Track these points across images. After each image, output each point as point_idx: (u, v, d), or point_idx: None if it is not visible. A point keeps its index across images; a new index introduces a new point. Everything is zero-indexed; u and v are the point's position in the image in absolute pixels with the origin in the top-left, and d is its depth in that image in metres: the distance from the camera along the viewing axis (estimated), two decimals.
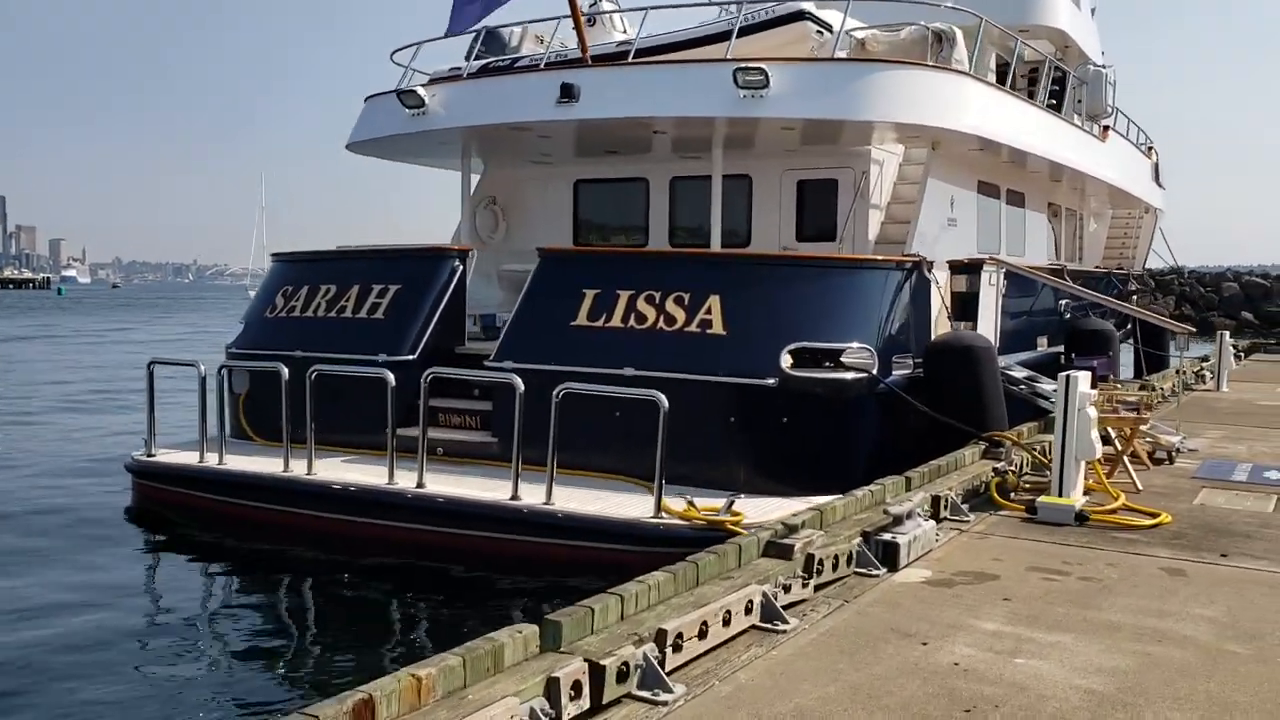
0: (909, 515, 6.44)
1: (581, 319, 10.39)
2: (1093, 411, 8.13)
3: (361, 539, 9.68)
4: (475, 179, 16.33)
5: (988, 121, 13.11)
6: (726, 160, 14.37)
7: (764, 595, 4.98)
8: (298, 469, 10.33)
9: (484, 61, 14.41)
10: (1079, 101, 16.46)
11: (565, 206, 16.08)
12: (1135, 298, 22.89)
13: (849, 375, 9.82)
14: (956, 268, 11.91)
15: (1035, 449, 9.24)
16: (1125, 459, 9.05)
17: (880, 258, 11.05)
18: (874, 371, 9.89)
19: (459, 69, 14.29)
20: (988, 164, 15.15)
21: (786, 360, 9.77)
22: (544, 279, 10.95)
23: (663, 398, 8.60)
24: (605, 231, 15.90)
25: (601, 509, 8.96)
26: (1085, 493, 8.37)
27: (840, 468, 9.84)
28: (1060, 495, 8.00)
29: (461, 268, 11.69)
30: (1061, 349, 15.18)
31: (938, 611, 5.43)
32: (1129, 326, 22.92)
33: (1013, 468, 8.70)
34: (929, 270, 10.80)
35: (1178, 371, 18.91)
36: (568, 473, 9.96)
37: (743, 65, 11.28)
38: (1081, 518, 7.57)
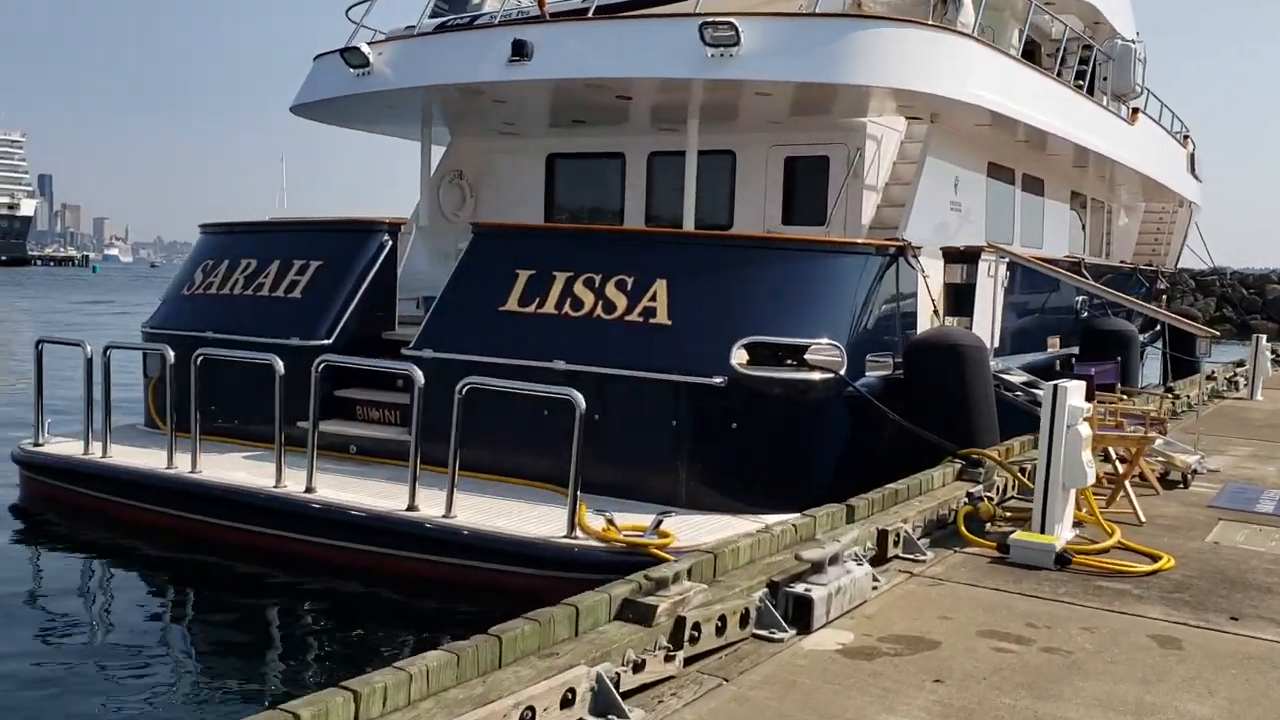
0: (834, 560, 5.12)
1: (512, 303, 9.11)
2: (1085, 429, 6.77)
3: (244, 547, 8.49)
4: (441, 151, 15.12)
5: (996, 92, 11.68)
6: (707, 133, 13.06)
7: (595, 679, 3.69)
8: (184, 465, 9.14)
9: (442, 20, 13.14)
10: (1104, 79, 14.93)
11: (538, 183, 14.81)
12: (1165, 298, 21.31)
13: (812, 375, 8.50)
14: (951, 256, 10.52)
15: (1023, 470, 7.88)
16: (1127, 484, 7.66)
17: (856, 241, 9.68)
18: (842, 372, 8.56)
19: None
20: (1000, 144, 13.71)
21: (739, 356, 8.45)
22: (476, 257, 9.67)
23: (579, 398, 7.32)
24: (579, 213, 14.61)
25: (507, 525, 7.69)
26: (1075, 524, 7.02)
27: (799, 483, 8.55)
28: (1041, 531, 6.65)
29: (391, 244, 10.44)
30: (1076, 350, 13.74)
31: (842, 699, 4.12)
32: (1158, 328, 21.39)
33: (990, 494, 7.34)
34: (914, 257, 9.41)
35: (1208, 377, 17.44)
36: (490, 479, 8.75)
37: (710, 20, 9.94)
38: (1063, 560, 6.21)
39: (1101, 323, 13.32)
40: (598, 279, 8.98)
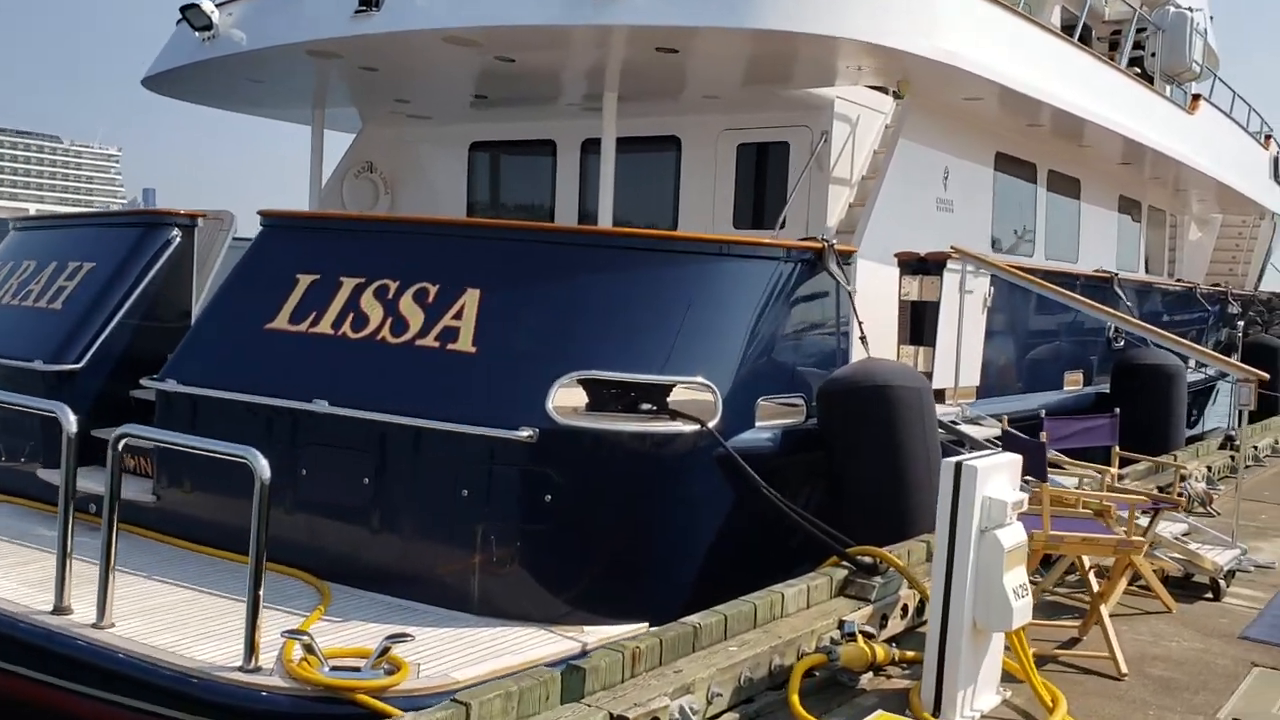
0: None
1: (281, 320, 6.71)
2: (1013, 535, 4.18)
3: None
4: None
5: (997, 59, 9.05)
6: (645, 115, 10.68)
7: None
8: None
9: None
10: (1153, 55, 12.11)
11: (461, 177, 12.52)
12: (1241, 324, 18.15)
13: (666, 428, 5.97)
14: (907, 264, 7.89)
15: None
16: (1105, 613, 4.98)
17: (751, 240, 7.07)
18: (712, 423, 6.01)
19: None
20: (1014, 131, 11.01)
21: (562, 399, 5.97)
22: (257, 257, 7.30)
23: (259, 461, 4.89)
24: (504, 212, 12.26)
25: (169, 643, 5.27)
26: (1005, 681, 4.42)
27: (641, 583, 6.04)
28: (934, 709, 4.08)
29: (183, 241, 8.13)
30: (1108, 388, 10.93)
31: None
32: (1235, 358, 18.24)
33: (870, 626, 4.74)
34: (839, 264, 6.79)
35: None
36: (216, 553, 6.44)
37: None
38: None
39: (1137, 355, 10.52)
40: (393, 287, 6.55)
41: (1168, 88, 14.88)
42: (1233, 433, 11.46)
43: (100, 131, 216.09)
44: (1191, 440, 12.74)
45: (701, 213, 10.84)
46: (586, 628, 5.84)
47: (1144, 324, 7.07)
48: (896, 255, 8.03)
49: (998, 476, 4.20)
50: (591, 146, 11.54)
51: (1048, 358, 10.08)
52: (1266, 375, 6.34)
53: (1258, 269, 19.41)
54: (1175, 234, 17.72)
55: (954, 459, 4.13)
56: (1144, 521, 5.48)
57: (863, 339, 6.88)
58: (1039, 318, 9.93)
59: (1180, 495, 6.03)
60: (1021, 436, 5.05)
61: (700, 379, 6.13)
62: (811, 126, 10.14)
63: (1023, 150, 11.43)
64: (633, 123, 10.96)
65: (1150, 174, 14.40)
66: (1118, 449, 6.02)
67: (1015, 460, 4.34)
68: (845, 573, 5.13)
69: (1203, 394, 16.48)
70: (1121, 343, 11.32)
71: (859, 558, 5.16)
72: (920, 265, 7.81)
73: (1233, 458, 10.83)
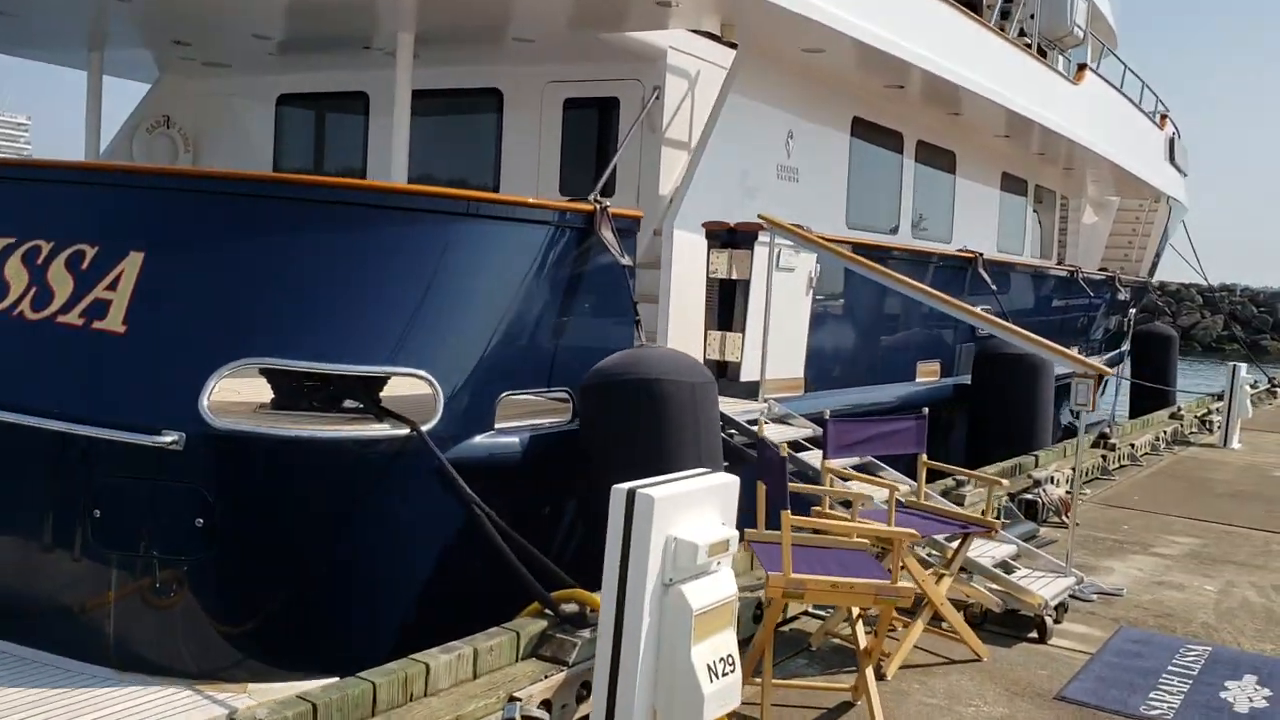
0: None
1: None
2: (706, 590, 3.01)
3: None
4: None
5: (837, 5, 7.90)
6: (466, 64, 9.46)
7: None
8: None
9: None
10: (1031, 17, 11.08)
11: (269, 134, 11.12)
12: (1133, 311, 17.42)
13: (356, 432, 4.73)
14: (715, 236, 6.72)
15: None
16: (870, 678, 3.83)
17: (502, 198, 5.80)
18: (427, 426, 4.78)
19: None
20: (875, 93, 9.92)
21: (234, 395, 4.70)
22: None
23: None
24: (313, 174, 10.88)
25: None
26: None
27: (328, 629, 4.80)
28: None
29: None
30: (970, 380, 9.92)
31: None
32: (1125, 348, 17.49)
33: (551, 700, 3.55)
34: (613, 230, 5.58)
35: (1173, 415, 13.57)
36: None
37: None
38: None
39: (1000, 344, 9.52)
40: (45, 250, 5.21)
41: (1059, 60, 13.96)
42: (1107, 430, 10.55)
43: (8, 99, 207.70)
44: (1070, 436, 11.85)
45: (526, 177, 9.61)
46: (253, 684, 4.60)
47: (965, 306, 6.00)
48: (704, 225, 6.85)
49: (693, 508, 3.03)
50: (412, 100, 10.22)
51: (897, 346, 9.01)
52: (1110, 371, 5.26)
53: (1153, 254, 18.68)
54: (1067, 217, 16.87)
55: (626, 485, 2.95)
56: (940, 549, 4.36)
57: (636, 322, 5.67)
58: (888, 300, 8.84)
59: (996, 515, 4.94)
60: (770, 445, 3.90)
61: (416, 370, 4.89)
62: (643, 80, 8.95)
63: (886, 117, 10.35)
64: (448, 72, 9.70)
65: (1036, 150, 13.45)
66: (924, 458, 4.92)
67: (724, 484, 3.17)
68: (545, 624, 3.93)
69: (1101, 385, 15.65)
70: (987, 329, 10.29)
71: (562, 605, 3.96)
72: (729, 237, 6.65)
73: (1105, 457, 9.90)
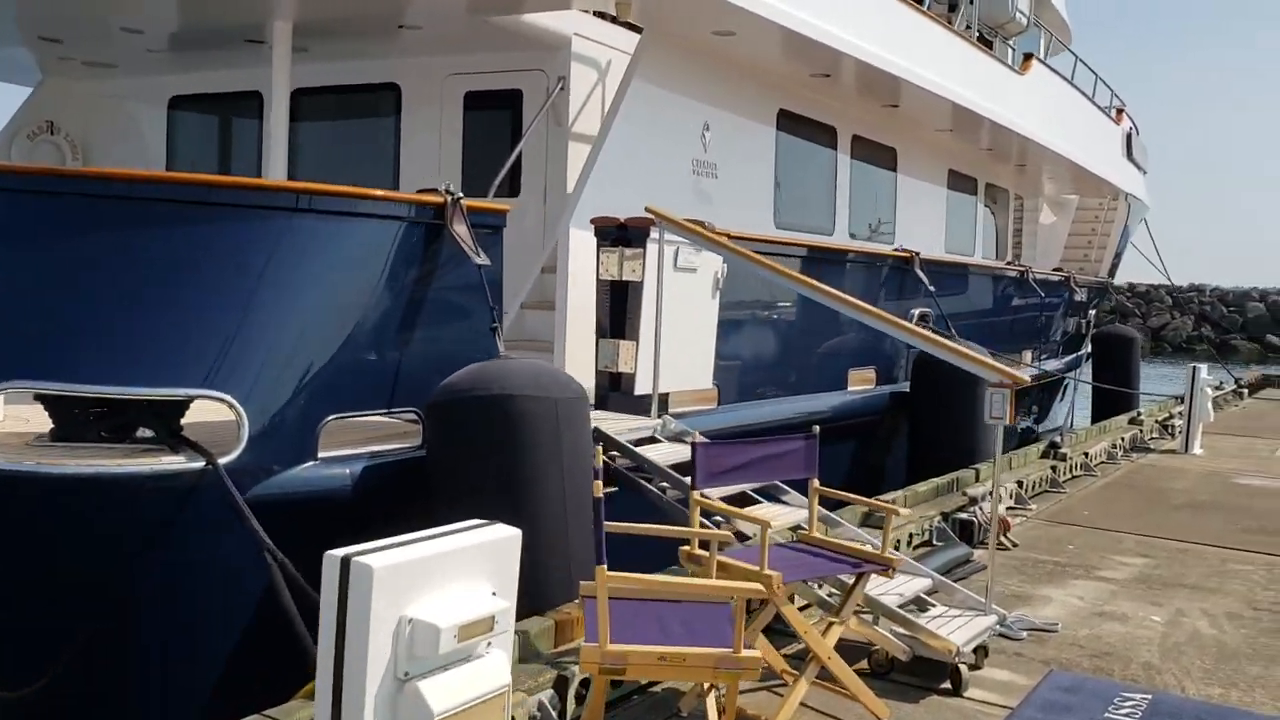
0: None
1: None
2: (456, 685, 2.29)
3: None
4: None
5: None
6: (362, 57, 8.81)
7: None
8: None
9: None
10: (970, 2, 10.46)
11: (161, 139, 10.38)
12: (1093, 313, 16.85)
13: (146, 467, 4.00)
14: (604, 233, 6.03)
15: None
16: None
17: (339, 190, 5.07)
18: (227, 459, 4.06)
19: None
20: (802, 84, 9.28)
21: (3, 420, 3.96)
22: None
23: None
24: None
25: None
26: None
27: (107, 700, 4.06)
28: None
29: None
30: (909, 388, 9.25)
31: None
32: (1085, 351, 16.92)
33: None
34: (467, 225, 4.86)
35: (1132, 420, 12.98)
36: None
37: None
38: None
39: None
40: None
41: (1010, 53, 13.38)
42: (1059, 438, 9.92)
43: None
44: (1025, 443, 11.22)
45: (427, 177, 8.89)
46: None
47: (867, 307, 5.30)
48: (593, 221, 6.16)
49: (444, 576, 2.32)
50: (304, 98, 9.53)
51: (826, 352, 8.33)
52: (1026, 379, 4.59)
53: (1112, 254, 18.12)
54: (1022, 216, 16.29)
55: (340, 551, 2.24)
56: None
57: (494, 329, 4.95)
58: (814, 303, 8.16)
59: (885, 549, 4.22)
60: (598, 474, 3.20)
61: (216, 392, 4.16)
62: (547, 71, 8.29)
63: (817, 110, 9.71)
64: (343, 68, 9.02)
65: (985, 146, 12.85)
66: (816, 483, 4.23)
67: (496, 542, 2.47)
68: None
69: (1048, 390, 15.04)
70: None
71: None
72: (620, 234, 5.95)
73: (1054, 469, 9.26)
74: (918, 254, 9.32)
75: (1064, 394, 16.09)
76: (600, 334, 6.02)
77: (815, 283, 5.38)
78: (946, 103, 10.26)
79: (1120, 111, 16.68)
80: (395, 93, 9.06)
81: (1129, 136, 16.92)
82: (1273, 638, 5.30)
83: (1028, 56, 11.92)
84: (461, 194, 4.90)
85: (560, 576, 4.37)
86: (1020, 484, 8.41)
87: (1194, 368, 11.93)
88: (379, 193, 4.96)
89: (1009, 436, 13.18)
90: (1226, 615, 5.66)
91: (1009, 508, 7.93)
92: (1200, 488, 9.51)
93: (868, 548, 4.37)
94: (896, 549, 5.84)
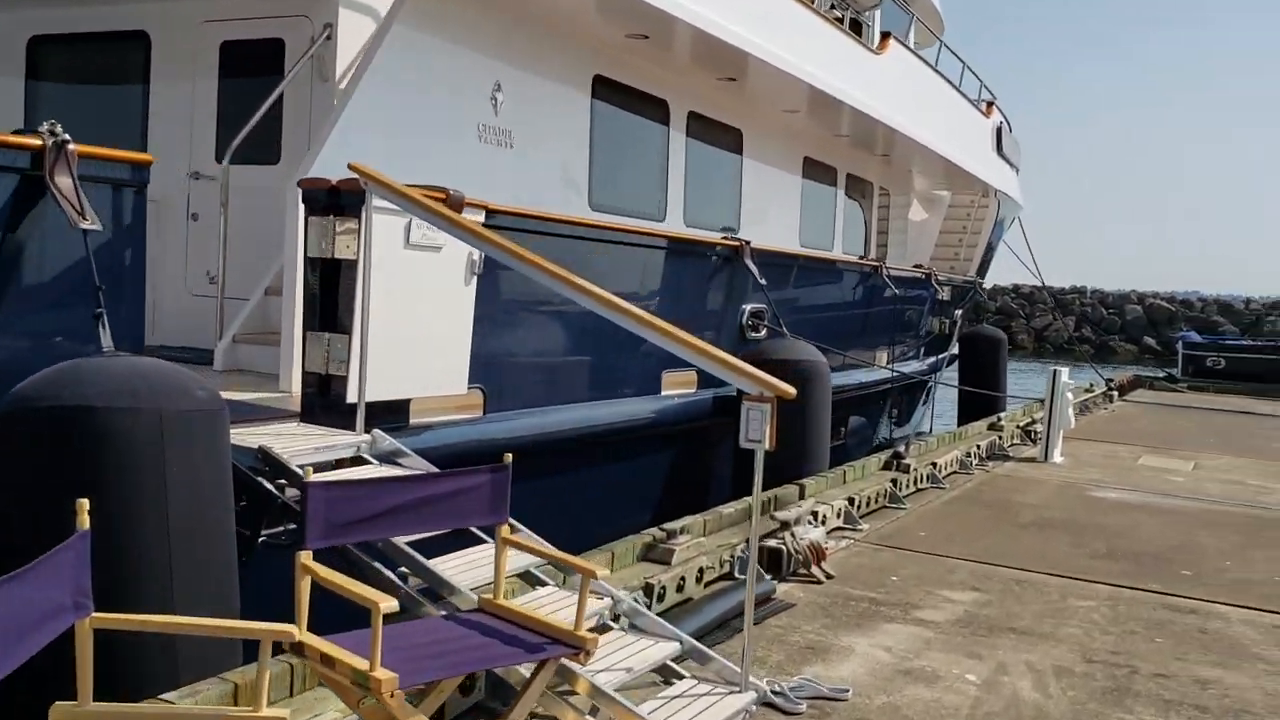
0: None
1: None
2: None
3: None
4: None
5: None
6: (106, 3, 7.41)
7: None
8: None
9: None
10: None
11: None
12: (959, 313, 16.18)
13: None
14: (313, 199, 4.85)
15: None
16: None
17: None
18: None
19: None
20: (622, 48, 8.21)
21: None
22: None
23: None
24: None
25: None
26: None
27: None
28: None
29: None
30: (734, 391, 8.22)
31: None
32: (951, 351, 16.25)
33: None
34: (73, 179, 3.65)
35: (991, 426, 12.24)
36: None
37: None
38: None
39: (769, 349, 7.86)
40: None
41: (867, 32, 12.50)
42: (903, 448, 9.03)
43: None
44: (877, 450, 10.34)
45: (178, 138, 7.61)
46: None
47: (609, 296, 4.25)
48: (300, 184, 4.97)
49: None
50: (40, 47, 8.14)
51: (634, 351, 7.26)
52: (791, 391, 3.55)
53: (981, 252, 17.51)
54: (888, 211, 15.51)
55: None
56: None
57: (97, 316, 3.74)
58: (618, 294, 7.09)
59: (580, 625, 3.14)
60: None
61: None
62: (311, 17, 7.08)
63: (644, 79, 8.66)
64: (85, 14, 7.66)
65: (843, 132, 11.97)
66: (506, 531, 3.13)
67: None
68: None
69: (910, 390, 14.27)
70: (763, 331, 8.68)
71: None
72: (332, 200, 4.77)
73: (895, 481, 8.35)
74: (748, 243, 8.33)
75: (927, 397, 15.37)
76: (308, 327, 4.85)
77: (562, 271, 4.28)
78: (790, 78, 9.30)
79: (990, 105, 16.03)
80: (144, 42, 7.72)
81: (999, 131, 16.29)
82: (1102, 703, 4.38)
83: (885, 35, 11.05)
84: (69, 136, 3.68)
85: (157, 669, 3.19)
86: (852, 500, 7.46)
87: (1055, 370, 11.22)
88: None
89: (863, 443, 12.34)
90: (1055, 670, 4.74)
91: (834, 529, 6.98)
92: (1053, 502, 8.73)
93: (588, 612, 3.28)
94: (660, 597, 4.79)
